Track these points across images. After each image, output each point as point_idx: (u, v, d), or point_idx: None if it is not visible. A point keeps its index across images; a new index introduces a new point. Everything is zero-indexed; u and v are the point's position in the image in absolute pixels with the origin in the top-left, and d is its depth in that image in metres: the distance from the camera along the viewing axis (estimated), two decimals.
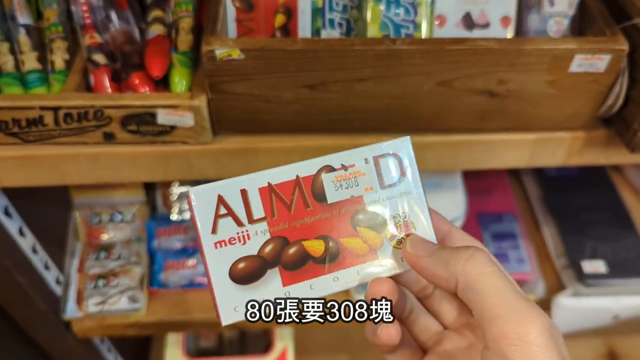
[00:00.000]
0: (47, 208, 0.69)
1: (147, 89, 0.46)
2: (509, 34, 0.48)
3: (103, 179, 0.50)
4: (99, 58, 0.47)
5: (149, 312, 0.72)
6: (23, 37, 0.49)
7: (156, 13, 0.49)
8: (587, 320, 0.73)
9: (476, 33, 0.48)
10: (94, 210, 0.75)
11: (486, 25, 0.48)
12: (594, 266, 0.71)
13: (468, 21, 0.48)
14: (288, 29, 0.47)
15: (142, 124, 0.46)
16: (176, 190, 0.76)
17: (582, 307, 0.71)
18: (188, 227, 0.74)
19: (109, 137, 0.47)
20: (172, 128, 0.47)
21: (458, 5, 0.47)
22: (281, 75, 0.44)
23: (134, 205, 0.76)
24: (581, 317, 0.72)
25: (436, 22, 0.48)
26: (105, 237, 0.75)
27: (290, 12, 0.46)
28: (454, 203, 0.59)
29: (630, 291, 0.71)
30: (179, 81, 0.46)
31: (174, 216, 0.76)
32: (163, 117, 0.45)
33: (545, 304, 0.73)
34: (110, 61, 0.48)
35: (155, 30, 0.48)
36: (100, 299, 0.69)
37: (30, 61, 0.48)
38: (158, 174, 0.50)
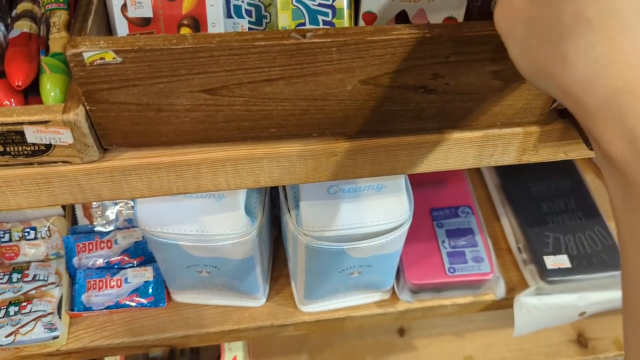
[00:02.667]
0: None
1: (13, 100, 0.38)
2: None
3: None
4: None
5: (71, 338, 0.64)
6: None
7: (24, 5, 0.41)
8: (552, 318, 0.68)
9: None
10: (2, 227, 0.67)
11: None
12: (558, 261, 0.66)
13: (403, 21, 0.40)
14: None
15: (10, 143, 0.38)
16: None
17: (546, 305, 0.66)
18: (112, 240, 0.67)
19: None
20: (49, 147, 0.38)
21: (392, 3, 0.39)
22: (171, 79, 0.36)
23: (48, 219, 0.67)
24: (546, 315, 0.67)
25: (362, 20, 0.40)
26: (19, 255, 0.67)
27: (198, 25, 0.38)
28: (399, 206, 0.53)
29: (596, 286, 0.66)
30: (51, 89, 0.38)
31: (98, 228, 0.68)
32: (32, 136, 0.37)
33: (507, 302, 0.68)
34: None
35: (20, 27, 0.39)
36: (12, 329, 0.61)
37: None
38: (43, 198, 0.42)
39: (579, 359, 1.01)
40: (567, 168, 0.75)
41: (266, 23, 0.42)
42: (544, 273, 0.65)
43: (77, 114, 0.37)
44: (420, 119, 0.42)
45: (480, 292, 0.67)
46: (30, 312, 0.62)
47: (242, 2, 0.41)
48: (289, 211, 0.55)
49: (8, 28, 0.40)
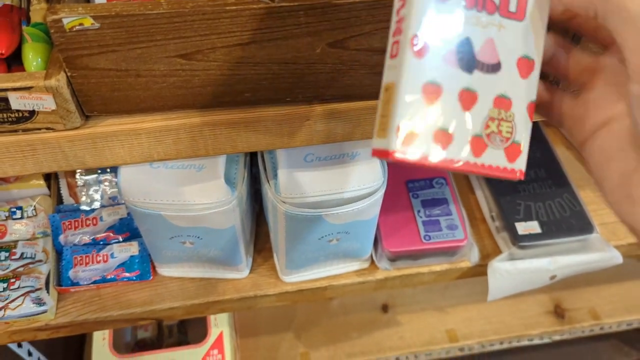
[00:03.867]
0: None
1: None
2: None
3: None
4: None
5: (60, 312, 0.66)
6: None
7: None
8: (524, 282, 0.71)
9: None
10: None
11: None
12: (528, 227, 0.69)
13: None
14: None
15: None
16: (82, 178, 0.70)
17: (519, 269, 0.69)
18: (97, 217, 0.68)
19: None
20: (32, 113, 0.40)
21: None
22: (148, 45, 0.38)
23: (34, 198, 0.69)
24: (518, 280, 0.70)
25: None
26: (5, 235, 0.68)
27: None
28: (374, 174, 0.55)
29: (565, 250, 0.69)
30: (33, 58, 0.40)
31: (83, 206, 0.70)
32: (16, 102, 0.39)
33: (481, 269, 0.71)
34: None
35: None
36: (1, 304, 0.63)
37: None
38: (28, 166, 0.44)
39: (556, 329, 1.05)
40: (537, 139, 0.78)
41: None
42: (516, 239, 0.68)
43: (59, 80, 0.39)
44: None
45: (455, 259, 0.70)
46: (18, 287, 0.64)
47: None
48: (267, 181, 0.57)
49: None
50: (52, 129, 0.42)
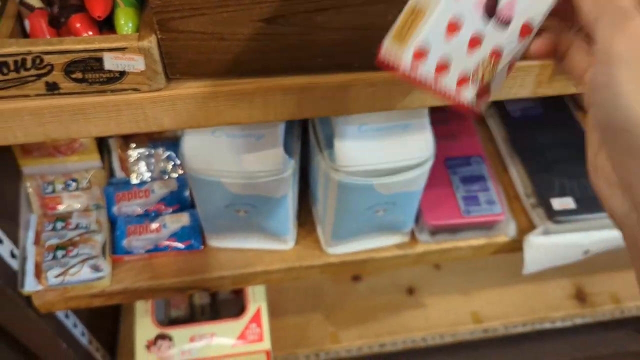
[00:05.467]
0: None
1: (90, 32, 0.42)
2: None
3: (50, 136, 0.47)
4: (34, 1, 0.43)
5: (114, 280, 0.69)
6: None
7: None
8: (558, 257, 0.73)
9: None
10: (45, 179, 0.71)
11: None
12: (563, 203, 0.71)
13: None
14: None
15: (88, 71, 0.42)
16: (134, 152, 0.73)
17: (553, 244, 0.71)
18: (149, 190, 0.71)
19: (52, 88, 0.43)
20: (122, 74, 0.43)
21: None
22: (235, 8, 0.41)
23: (89, 172, 0.72)
24: (553, 254, 0.72)
25: None
26: (60, 206, 0.71)
27: None
28: (424, 144, 0.58)
29: (599, 225, 0.72)
30: (125, 22, 0.42)
31: (134, 180, 0.72)
32: (110, 62, 0.42)
33: (517, 244, 0.73)
34: (46, 4, 0.43)
35: None
36: (60, 270, 0.66)
37: None
38: (111, 126, 0.47)
39: (578, 312, 1.08)
40: (567, 120, 0.81)
41: None
42: (551, 214, 0.71)
43: (151, 42, 0.41)
44: None
45: (492, 234, 0.72)
46: (76, 255, 0.67)
47: None
48: (321, 151, 0.60)
49: None
50: (137, 89, 0.44)
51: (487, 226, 0.71)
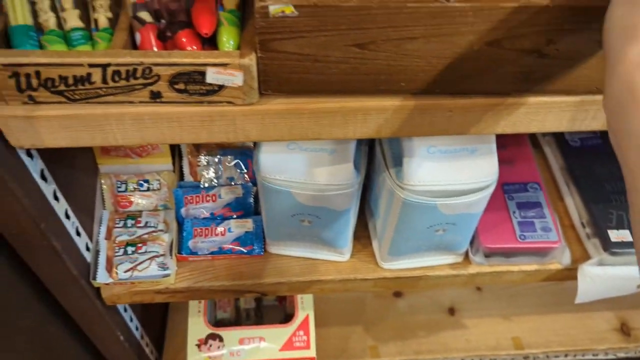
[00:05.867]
0: (77, 174, 0.68)
1: (195, 47, 0.46)
2: None
3: (147, 140, 0.50)
4: (145, 16, 0.47)
5: (178, 278, 0.72)
6: None
7: None
8: (611, 289, 0.74)
9: None
10: (119, 178, 0.75)
11: None
12: (620, 235, 0.72)
13: None
14: None
15: (190, 82, 0.46)
16: (203, 158, 0.76)
17: (608, 275, 0.72)
18: (216, 194, 0.74)
19: (155, 96, 0.47)
20: (220, 87, 0.46)
21: None
22: (333, 33, 0.44)
23: (160, 174, 0.76)
24: (606, 285, 0.73)
25: None
26: (131, 205, 0.75)
27: None
28: (489, 169, 0.60)
29: None
30: (227, 40, 0.46)
31: (203, 184, 0.76)
32: (212, 76, 0.45)
33: (569, 273, 0.74)
34: (155, 19, 0.47)
35: None
36: (130, 265, 0.69)
37: (72, 19, 0.48)
38: (202, 135, 0.50)
39: (622, 346, 1.07)
40: None
41: None
42: (608, 245, 0.71)
43: (251, 59, 0.45)
44: (527, 82, 0.49)
45: (546, 261, 0.73)
46: (145, 252, 0.70)
47: None
48: (387, 169, 0.62)
49: None
50: (232, 102, 0.48)
51: (541, 252, 0.72)
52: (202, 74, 0.45)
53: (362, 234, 0.77)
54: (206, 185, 0.76)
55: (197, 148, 0.76)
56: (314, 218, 0.65)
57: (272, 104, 0.49)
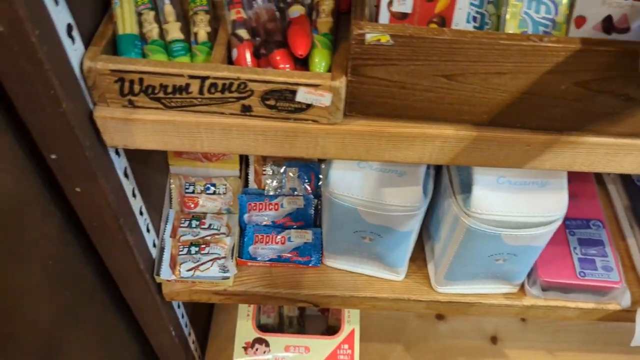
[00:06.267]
0: (151, 173, 0.71)
1: (288, 66, 0.48)
2: None
3: (231, 150, 0.53)
4: (243, 33, 0.49)
5: (236, 281, 0.74)
6: (168, 7, 0.51)
7: None
8: None
9: (614, 37, 0.48)
10: (188, 179, 0.78)
11: (626, 30, 0.48)
12: None
13: (607, 24, 0.48)
14: None
15: (280, 99, 0.48)
16: (269, 168, 0.78)
17: None
18: (279, 204, 0.77)
19: (246, 110, 0.49)
20: (308, 106, 0.48)
21: (601, 8, 0.47)
22: (423, 63, 0.45)
23: (227, 179, 0.78)
24: None
25: (574, 23, 0.48)
26: (197, 206, 0.78)
27: (444, 23, 0.47)
28: (558, 204, 0.60)
29: None
30: (319, 62, 0.48)
31: (267, 192, 0.78)
32: (303, 95, 0.47)
33: (627, 315, 0.73)
34: (252, 37, 0.50)
35: (297, 10, 0.50)
36: (193, 264, 0.72)
37: (174, 31, 0.51)
38: (284, 149, 0.52)
39: None
40: None
41: (487, 29, 0.50)
42: None
43: (341, 82, 0.47)
44: (610, 123, 0.49)
45: (604, 300, 0.72)
46: (208, 253, 0.73)
47: (471, 9, 0.50)
48: (454, 195, 0.63)
49: (281, 11, 0.51)
50: (317, 121, 0.50)
51: (600, 291, 0.71)
52: (293, 92, 0.47)
53: (418, 256, 0.77)
54: (270, 193, 0.78)
55: (264, 157, 0.79)
56: (376, 236, 0.66)
57: (354, 125, 0.50)
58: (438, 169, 0.68)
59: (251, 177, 0.79)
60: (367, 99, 0.49)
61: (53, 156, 0.50)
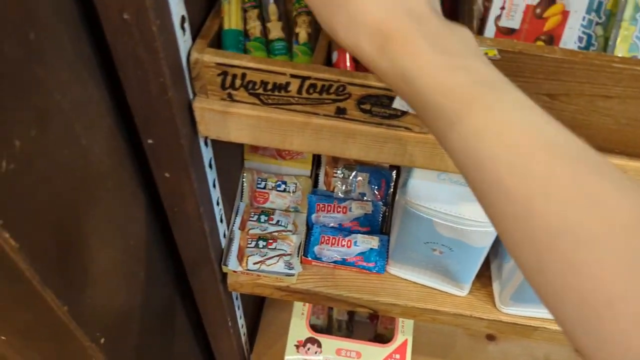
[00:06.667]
0: (228, 166, 0.73)
1: None
2: None
3: (319, 150, 0.53)
4: None
5: (299, 279, 0.75)
6: (272, 7, 0.53)
7: None
8: None
9: None
10: (261, 175, 0.79)
11: None
12: None
13: None
14: None
15: (376, 105, 0.48)
16: (340, 171, 0.79)
17: None
18: (347, 207, 0.77)
19: (340, 112, 0.50)
20: (403, 113, 0.49)
21: None
22: (528, 80, 0.44)
23: (298, 178, 0.79)
24: None
25: None
26: (267, 202, 0.79)
27: (552, 42, 0.47)
28: None
29: None
30: None
31: (336, 195, 0.79)
32: (399, 102, 0.47)
33: None
34: None
35: None
36: (259, 258, 0.73)
37: (276, 30, 0.52)
38: (371, 154, 0.53)
39: None
40: None
41: (592, 50, 0.49)
42: None
43: None
44: None
45: None
46: (275, 248, 0.74)
47: (577, 30, 0.49)
48: None
49: None
50: (409, 129, 0.50)
51: None
52: (391, 98, 0.47)
53: (483, 273, 0.76)
54: (339, 196, 0.78)
55: (336, 160, 0.79)
56: (447, 249, 0.66)
57: None
58: None
59: (321, 178, 0.80)
60: None
61: (150, 141, 0.52)
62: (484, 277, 0.76)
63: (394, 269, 0.75)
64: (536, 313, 0.71)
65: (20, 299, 0.46)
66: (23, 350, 0.59)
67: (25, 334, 0.54)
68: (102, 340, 0.56)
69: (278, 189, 0.79)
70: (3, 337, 0.57)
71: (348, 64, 0.50)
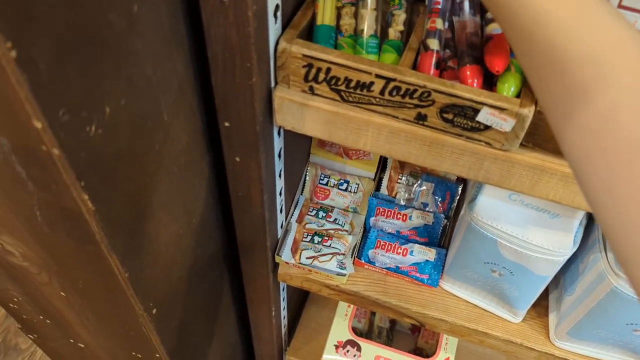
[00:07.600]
0: (294, 158, 0.73)
1: (476, 83, 0.47)
2: None
3: (391, 154, 0.52)
4: (432, 43, 0.49)
5: (349, 281, 0.75)
6: (371, 2, 0.52)
7: None
8: None
9: None
10: (325, 171, 0.79)
11: None
12: None
13: None
14: None
15: (459, 115, 0.47)
16: (404, 178, 0.78)
17: None
18: (407, 215, 0.76)
19: (420, 118, 0.49)
20: (486, 128, 0.47)
21: None
22: None
23: (361, 179, 0.79)
24: None
25: None
26: (327, 198, 0.79)
27: None
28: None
29: None
30: (509, 86, 0.46)
31: (398, 201, 0.78)
32: (485, 116, 0.46)
33: None
34: (441, 48, 0.49)
35: (497, 28, 0.48)
36: (313, 253, 0.73)
37: (370, 28, 0.51)
38: (445, 164, 0.51)
39: None
40: None
41: None
42: None
43: (530, 111, 0.45)
44: None
45: None
46: (330, 246, 0.74)
47: None
48: (604, 251, 0.59)
49: (481, 27, 0.50)
50: (490, 145, 0.48)
51: None
52: (476, 111, 0.46)
53: (540, 302, 0.74)
54: (401, 203, 0.77)
55: (402, 165, 0.78)
56: (507, 272, 0.64)
57: (527, 156, 0.48)
58: (590, 220, 0.64)
59: (385, 182, 0.79)
60: (551, 133, 0.46)
61: (227, 124, 0.53)
62: (540, 306, 0.74)
63: (447, 285, 0.73)
64: (592, 353, 0.68)
65: (86, 260, 0.48)
66: (79, 309, 0.61)
67: (83, 293, 0.56)
68: (154, 311, 0.57)
69: (340, 187, 0.79)
70: (63, 294, 0.59)
71: (432, 69, 0.48)
